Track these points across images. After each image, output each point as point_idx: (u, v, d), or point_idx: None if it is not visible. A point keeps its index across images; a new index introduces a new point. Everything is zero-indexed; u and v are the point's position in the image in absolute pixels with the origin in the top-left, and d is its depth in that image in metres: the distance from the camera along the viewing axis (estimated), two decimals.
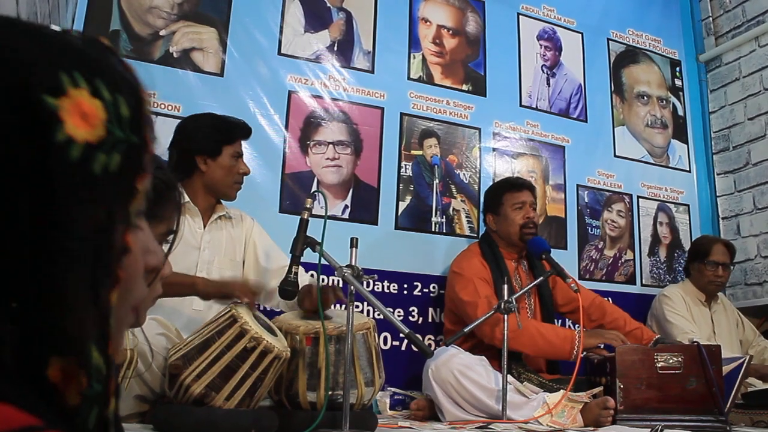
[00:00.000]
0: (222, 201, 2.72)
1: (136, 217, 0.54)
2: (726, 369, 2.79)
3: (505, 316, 2.73)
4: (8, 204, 0.45)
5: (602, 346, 3.05)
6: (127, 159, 0.52)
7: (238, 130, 2.68)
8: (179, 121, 2.74)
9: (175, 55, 3.34)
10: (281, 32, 3.61)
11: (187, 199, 2.59)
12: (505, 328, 2.73)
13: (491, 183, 3.88)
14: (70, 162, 0.47)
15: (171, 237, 1.00)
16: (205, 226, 2.64)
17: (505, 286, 2.79)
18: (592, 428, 2.58)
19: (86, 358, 0.48)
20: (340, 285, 2.91)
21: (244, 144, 2.77)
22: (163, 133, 2.69)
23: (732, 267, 3.91)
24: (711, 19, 4.94)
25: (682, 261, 4.30)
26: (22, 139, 0.45)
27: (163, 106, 3.22)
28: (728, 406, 2.69)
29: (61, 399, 0.47)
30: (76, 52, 0.52)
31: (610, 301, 3.67)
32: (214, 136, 2.61)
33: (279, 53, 3.58)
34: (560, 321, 3.79)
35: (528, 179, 3.92)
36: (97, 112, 0.49)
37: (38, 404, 0.45)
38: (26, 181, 0.46)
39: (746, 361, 2.84)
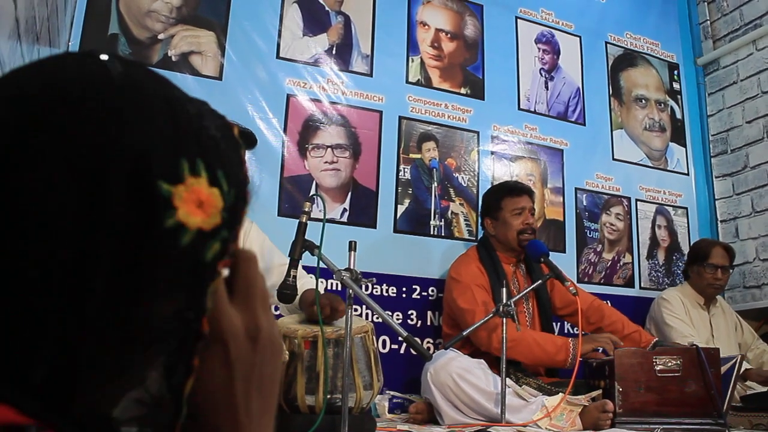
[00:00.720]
0: None
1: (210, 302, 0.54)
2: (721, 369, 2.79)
3: (504, 319, 2.73)
4: (110, 286, 0.45)
5: (600, 350, 3.05)
6: (226, 248, 0.52)
7: (242, 139, 2.66)
8: None
9: (173, 58, 3.34)
10: (280, 36, 3.61)
11: None
12: (504, 331, 2.72)
13: (490, 186, 3.87)
14: (180, 248, 0.47)
15: None
16: None
17: (504, 290, 2.79)
18: (591, 431, 2.58)
19: None
20: (339, 288, 2.91)
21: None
22: None
23: (731, 270, 3.91)
24: (709, 22, 4.95)
25: (680, 264, 4.30)
26: (132, 222, 0.45)
27: None
28: (725, 406, 2.69)
29: None
30: (200, 136, 0.51)
31: (609, 304, 3.67)
32: None
33: (277, 57, 3.58)
34: (559, 324, 3.79)
35: (526, 183, 3.93)
36: (214, 201, 0.49)
37: None
38: (130, 264, 0.45)
39: (738, 360, 2.85)
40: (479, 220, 3.68)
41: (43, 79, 0.47)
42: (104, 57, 0.49)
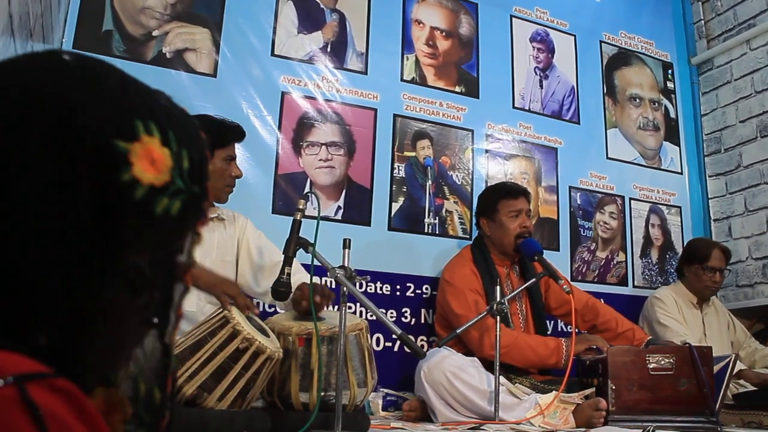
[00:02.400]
0: (214, 203, 2.70)
1: (193, 258, 0.59)
2: (714, 368, 2.80)
3: (497, 318, 2.73)
4: (69, 235, 0.49)
5: (594, 347, 3.06)
6: (188, 206, 0.56)
7: (232, 133, 2.64)
8: None
9: (168, 55, 3.33)
10: (274, 33, 3.61)
11: None
12: (497, 330, 2.73)
13: (484, 184, 3.89)
14: (134, 201, 0.52)
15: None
16: None
17: (497, 288, 2.79)
18: (584, 429, 2.59)
19: (134, 389, 0.52)
20: (333, 286, 2.91)
21: (237, 145, 2.75)
22: None
23: (728, 272, 3.93)
24: (703, 22, 4.97)
25: (674, 263, 4.31)
26: (95, 177, 0.50)
27: None
28: (718, 405, 2.70)
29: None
30: (154, 103, 0.58)
31: (603, 302, 3.68)
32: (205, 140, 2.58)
33: (272, 54, 3.58)
34: (552, 323, 3.80)
35: (520, 181, 3.94)
36: (165, 160, 0.55)
37: None
38: (91, 215, 0.50)
39: (732, 359, 2.86)
40: (474, 220, 3.68)
41: (12, 67, 0.54)
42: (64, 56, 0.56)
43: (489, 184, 3.89)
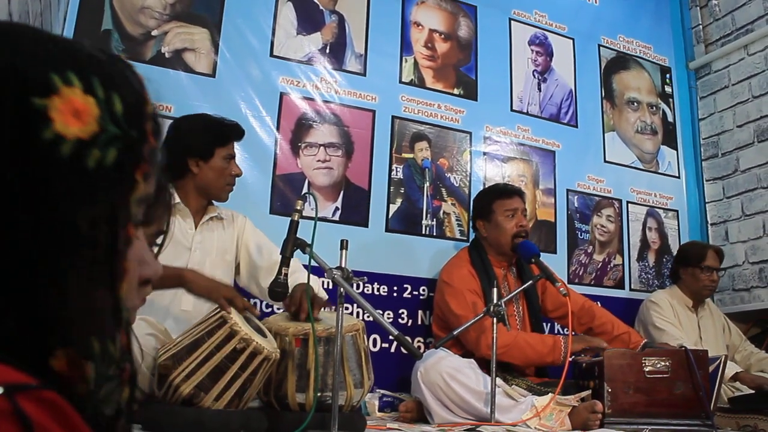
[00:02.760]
0: (214, 202, 2.71)
1: (139, 208, 0.56)
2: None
3: (494, 319, 2.74)
4: (3, 201, 0.48)
5: (589, 351, 3.07)
6: (125, 153, 0.53)
7: (231, 132, 2.66)
8: (171, 121, 2.73)
9: (166, 55, 3.34)
10: (273, 34, 3.61)
11: (178, 200, 2.59)
12: (494, 331, 2.73)
13: (482, 187, 3.89)
14: (62, 158, 0.49)
15: (161, 238, 1.01)
16: (196, 227, 2.63)
17: (495, 290, 2.80)
18: (580, 431, 2.59)
19: (88, 348, 0.50)
20: (330, 287, 2.91)
21: (235, 145, 2.76)
22: None
23: (723, 272, 3.95)
24: (701, 26, 4.98)
25: (670, 266, 4.31)
26: (11, 139, 0.48)
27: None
28: (711, 406, 2.71)
29: (69, 388, 0.49)
30: (73, 53, 0.54)
31: (599, 305, 3.68)
32: (206, 139, 2.59)
33: (271, 55, 3.58)
34: (549, 326, 3.81)
35: (518, 184, 3.94)
36: (89, 109, 0.51)
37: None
38: (18, 179, 0.48)
39: (723, 360, 2.86)
40: (471, 223, 3.69)
41: None
42: None
43: (487, 187, 3.90)
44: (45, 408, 0.43)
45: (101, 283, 0.52)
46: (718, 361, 2.85)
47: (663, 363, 2.71)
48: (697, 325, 3.84)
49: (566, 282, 3.90)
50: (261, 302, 3.02)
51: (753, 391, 3.20)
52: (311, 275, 2.15)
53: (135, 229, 0.57)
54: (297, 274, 2.41)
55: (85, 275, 0.51)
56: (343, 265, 2.11)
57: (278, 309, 2.83)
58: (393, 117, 3.81)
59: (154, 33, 3.33)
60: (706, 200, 4.73)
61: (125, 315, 0.53)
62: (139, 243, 0.62)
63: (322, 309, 2.39)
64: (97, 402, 0.50)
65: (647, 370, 2.70)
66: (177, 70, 3.33)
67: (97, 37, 3.18)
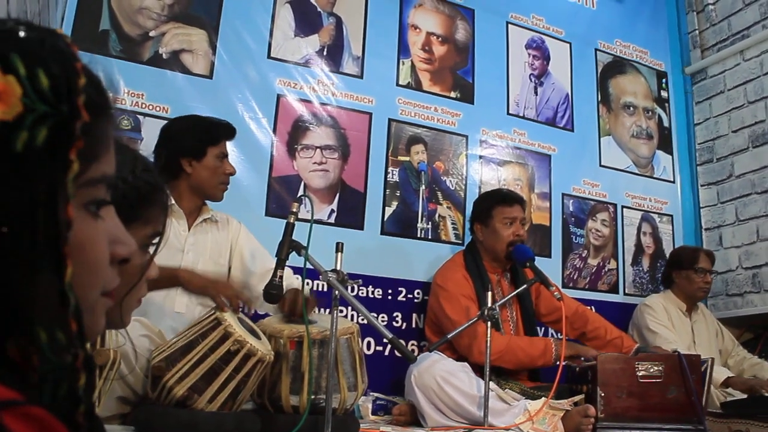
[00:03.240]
0: (208, 204, 2.71)
1: (78, 188, 0.53)
2: None
3: (488, 323, 2.74)
4: None
5: (581, 358, 3.08)
6: (57, 131, 0.50)
7: (222, 130, 2.68)
8: (166, 122, 2.74)
9: (164, 56, 3.34)
10: (271, 35, 3.62)
11: (172, 201, 2.59)
12: (488, 335, 2.74)
13: (477, 190, 3.90)
14: None
15: (156, 239, 1.01)
16: (189, 229, 2.63)
17: (489, 293, 2.80)
18: None
19: (35, 337, 0.49)
20: (325, 289, 2.92)
21: (231, 147, 2.77)
22: (152, 134, 2.71)
23: (715, 274, 3.98)
24: (697, 32, 4.99)
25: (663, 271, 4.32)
26: None
27: (151, 107, 3.23)
28: (703, 409, 2.72)
29: (24, 376, 0.48)
30: None
31: (593, 310, 3.70)
32: (198, 138, 2.61)
33: (268, 57, 3.59)
34: (543, 330, 3.81)
35: (514, 187, 3.95)
36: (10, 88, 0.48)
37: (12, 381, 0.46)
38: None
39: (710, 363, 2.88)
40: (469, 225, 3.70)
41: None
42: None
43: (482, 190, 3.92)
44: (31, 425, 0.43)
45: (44, 270, 0.50)
46: (705, 365, 2.87)
47: (656, 368, 2.71)
48: (691, 330, 3.86)
49: (560, 286, 3.92)
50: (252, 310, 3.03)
51: (745, 396, 3.22)
52: (297, 278, 2.15)
53: (88, 210, 0.55)
54: (289, 280, 2.42)
55: (26, 263, 0.49)
56: (338, 268, 2.11)
57: (272, 312, 2.83)
58: (389, 120, 3.82)
59: (151, 34, 3.33)
60: (701, 205, 4.74)
61: (73, 301, 0.51)
62: (112, 222, 0.61)
63: (315, 311, 2.40)
64: (52, 390, 0.49)
65: (640, 374, 2.71)
66: (174, 71, 3.33)
67: (94, 37, 3.19)
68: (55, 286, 0.50)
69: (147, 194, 1.00)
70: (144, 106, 3.22)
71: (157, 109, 3.24)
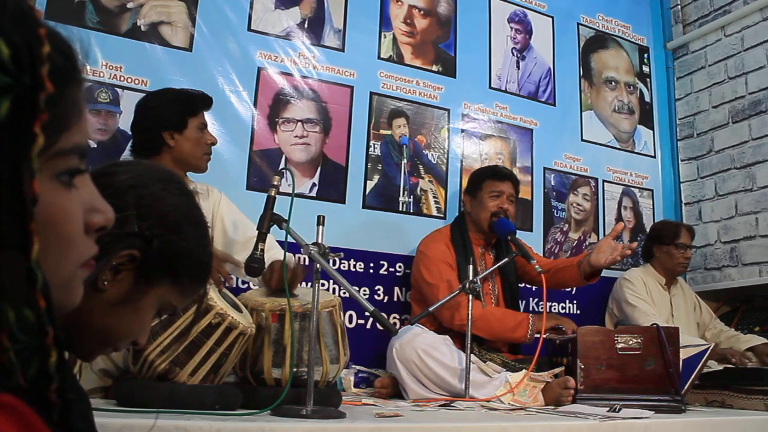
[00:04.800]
0: (189, 176, 2.70)
1: (48, 160, 0.52)
2: (689, 352, 2.86)
3: (470, 296, 2.76)
4: None
5: (562, 327, 3.12)
6: (19, 103, 0.48)
7: (200, 101, 2.66)
8: (139, 98, 2.71)
9: (142, 28, 3.29)
10: (251, 8, 3.57)
11: None
12: (469, 308, 2.76)
13: (459, 164, 3.92)
14: None
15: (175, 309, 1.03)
16: None
17: (470, 267, 2.82)
18: (553, 407, 2.63)
19: (1, 316, 0.47)
20: (307, 263, 2.91)
21: (212, 120, 2.75)
22: (131, 107, 2.68)
23: (694, 250, 4.02)
24: (679, 7, 5.00)
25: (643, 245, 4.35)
26: None
27: (130, 80, 3.18)
28: (686, 388, 2.76)
29: None
30: None
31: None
32: (176, 110, 2.58)
33: (249, 29, 3.55)
34: (524, 304, 3.85)
35: (496, 161, 3.96)
36: None
37: None
38: None
39: (709, 349, 2.91)
40: (449, 198, 3.71)
41: None
42: None
43: (464, 164, 3.94)
44: (5, 413, 0.42)
45: (9, 247, 0.48)
46: (706, 348, 2.90)
47: (635, 340, 2.74)
48: (669, 303, 3.91)
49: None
50: (237, 279, 3.02)
51: (721, 368, 3.27)
52: (285, 252, 2.14)
53: (60, 180, 0.54)
54: (273, 251, 2.41)
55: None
56: (319, 241, 2.11)
57: (254, 285, 2.83)
58: (371, 93, 3.80)
59: (129, 5, 3.28)
60: (681, 180, 4.78)
61: (41, 278, 0.49)
62: (87, 191, 0.60)
63: (298, 284, 2.40)
64: (22, 369, 0.48)
65: (619, 346, 2.74)
66: (153, 43, 3.29)
67: (70, 8, 3.13)
68: (21, 264, 0.49)
69: (203, 269, 1.02)
70: (122, 78, 3.18)
71: (136, 82, 3.20)
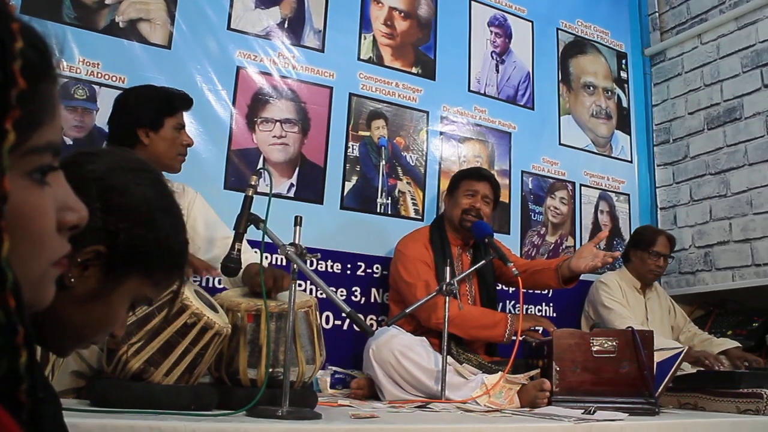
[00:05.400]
0: (165, 174, 2.67)
1: (20, 157, 0.51)
2: (663, 355, 2.88)
3: (447, 298, 2.76)
4: None
5: (540, 330, 3.14)
6: None
7: (179, 101, 2.63)
8: (118, 94, 2.68)
9: (120, 24, 3.26)
10: (231, 6, 3.55)
11: None
12: (446, 310, 2.76)
13: (437, 166, 3.93)
14: None
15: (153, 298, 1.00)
16: None
17: (447, 269, 2.82)
18: (528, 409, 2.63)
19: None
20: (283, 263, 2.90)
21: (190, 119, 2.73)
22: (108, 104, 2.65)
23: (671, 259, 4.05)
24: (657, 14, 5.05)
25: (621, 249, 4.39)
26: None
27: (107, 77, 3.15)
28: (660, 390, 2.78)
29: None
30: None
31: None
32: (155, 108, 2.55)
33: (228, 28, 3.53)
34: (501, 306, 3.86)
35: (474, 164, 3.98)
36: None
37: None
38: None
39: (683, 352, 2.94)
40: (426, 200, 3.71)
41: None
42: None
43: (443, 166, 3.95)
44: None
45: None
46: (680, 351, 2.93)
47: (610, 343, 2.76)
48: (644, 307, 3.94)
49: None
50: (212, 279, 3.00)
51: (694, 371, 3.30)
52: (256, 251, 2.13)
53: (32, 178, 0.53)
54: (247, 254, 2.39)
55: None
56: (296, 242, 2.10)
57: (229, 286, 2.81)
58: (350, 94, 3.79)
59: (107, 1, 3.25)
60: (657, 185, 4.83)
61: (11, 276, 0.49)
62: (60, 188, 0.59)
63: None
64: None
65: (595, 349, 2.75)
66: (131, 40, 3.26)
67: (47, 3, 3.10)
68: None
69: (176, 260, 0.99)
70: (100, 75, 3.15)
71: (114, 79, 3.17)
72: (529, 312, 4.01)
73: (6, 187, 0.48)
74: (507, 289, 3.88)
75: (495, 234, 3.25)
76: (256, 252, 2.59)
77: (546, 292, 4.09)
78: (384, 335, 2.93)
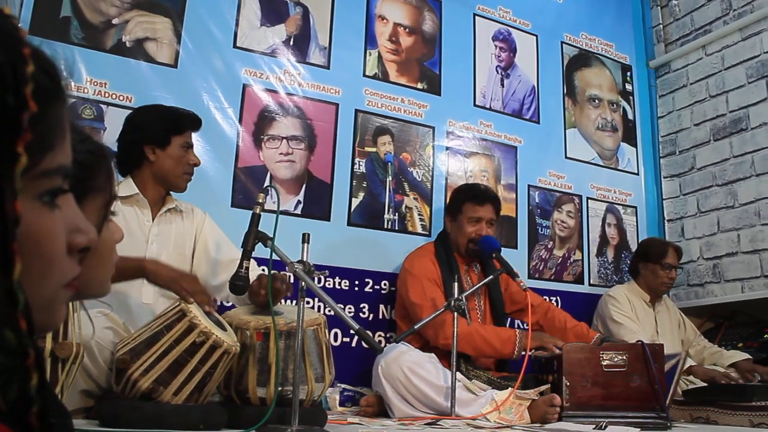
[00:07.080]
0: (172, 194, 2.68)
1: (31, 180, 0.51)
2: (666, 366, 2.86)
3: (455, 314, 2.75)
4: None
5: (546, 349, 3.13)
6: (2, 123, 0.47)
7: (188, 120, 2.65)
8: (130, 111, 2.70)
9: (127, 44, 3.28)
10: (237, 25, 3.57)
11: (136, 190, 2.56)
12: (455, 326, 2.75)
13: (444, 181, 3.92)
14: None
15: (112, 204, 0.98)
16: (153, 219, 2.60)
17: (456, 284, 2.81)
18: (539, 425, 2.62)
19: None
20: (292, 280, 2.90)
21: (197, 137, 2.74)
22: (116, 123, 2.67)
23: (681, 269, 4.04)
24: (661, 26, 5.06)
25: (629, 261, 4.37)
26: None
27: (114, 96, 3.17)
28: (668, 400, 2.76)
29: None
30: None
31: (559, 300, 3.74)
32: (162, 126, 2.58)
33: (234, 46, 3.54)
34: (510, 321, 3.84)
35: (480, 179, 3.97)
36: None
37: None
38: None
39: (682, 357, 2.92)
40: (434, 216, 3.70)
41: None
42: None
43: (449, 181, 3.94)
44: None
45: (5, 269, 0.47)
46: (678, 358, 2.91)
47: (620, 357, 2.75)
48: (654, 320, 3.92)
49: (526, 277, 3.96)
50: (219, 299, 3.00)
51: (706, 384, 3.28)
52: (263, 269, 2.13)
53: (42, 201, 0.53)
54: (254, 272, 2.39)
55: None
56: (304, 259, 2.10)
57: (237, 304, 2.81)
58: (356, 110, 3.80)
59: (114, 21, 3.27)
60: (664, 197, 4.81)
61: (23, 299, 0.48)
62: (70, 211, 0.59)
63: (284, 301, 2.39)
64: (1, 393, 0.46)
65: (605, 363, 2.74)
66: (138, 59, 3.28)
67: (55, 23, 3.12)
68: (2, 285, 0.47)
69: (91, 164, 0.96)
70: (107, 95, 3.16)
71: (121, 98, 3.18)
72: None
73: (18, 209, 0.48)
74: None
75: (502, 249, 3.23)
76: (263, 270, 2.59)
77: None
78: (393, 352, 2.92)
